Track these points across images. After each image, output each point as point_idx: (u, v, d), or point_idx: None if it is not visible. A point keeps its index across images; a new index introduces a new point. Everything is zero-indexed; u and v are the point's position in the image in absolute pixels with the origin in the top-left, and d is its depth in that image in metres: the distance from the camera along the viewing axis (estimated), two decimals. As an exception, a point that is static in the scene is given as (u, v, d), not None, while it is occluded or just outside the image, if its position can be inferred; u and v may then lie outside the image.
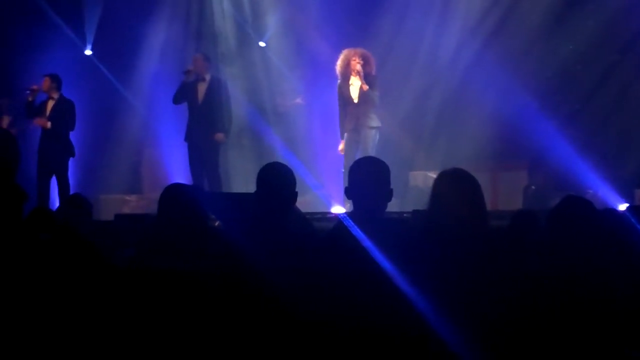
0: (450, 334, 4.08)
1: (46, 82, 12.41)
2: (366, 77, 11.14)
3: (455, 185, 4.72)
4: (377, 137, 11.26)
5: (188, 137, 12.23)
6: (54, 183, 12.42)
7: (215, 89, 12.11)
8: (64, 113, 12.35)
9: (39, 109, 12.41)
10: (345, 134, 11.32)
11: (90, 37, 15.18)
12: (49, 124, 12.27)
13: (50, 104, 12.41)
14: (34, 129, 12.86)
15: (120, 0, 14.79)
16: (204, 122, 12.04)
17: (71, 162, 12.85)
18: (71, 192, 11.96)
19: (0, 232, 3.58)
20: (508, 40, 13.00)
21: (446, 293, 4.14)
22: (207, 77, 12.16)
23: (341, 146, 11.39)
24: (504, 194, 12.33)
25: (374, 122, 11.22)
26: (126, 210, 13.64)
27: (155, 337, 4.02)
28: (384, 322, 4.16)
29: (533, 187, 12.20)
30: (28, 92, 12.38)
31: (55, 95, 12.41)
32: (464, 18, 13.42)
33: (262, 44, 14.89)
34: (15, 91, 13.61)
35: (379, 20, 13.50)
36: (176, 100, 12.28)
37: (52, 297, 3.58)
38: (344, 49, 11.46)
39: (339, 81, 11.36)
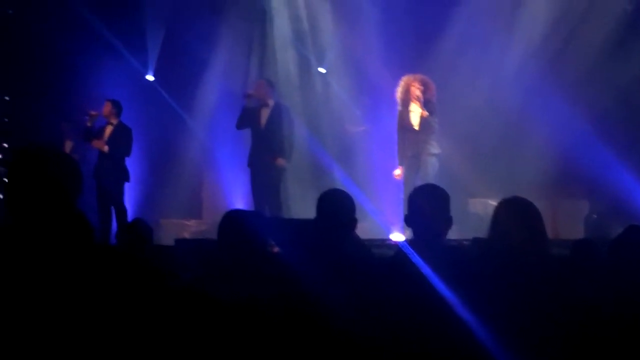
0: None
1: (107, 107, 12.53)
2: (426, 104, 11.13)
3: (515, 213, 4.69)
4: (437, 164, 11.22)
5: (251, 163, 12.19)
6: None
7: (278, 114, 12.10)
8: (122, 139, 12.45)
9: (98, 134, 12.52)
10: (405, 161, 11.30)
11: (152, 62, 15.32)
12: (106, 147, 12.37)
13: (109, 129, 12.52)
14: (92, 153, 12.98)
15: (182, 26, 14.90)
16: (267, 147, 12.00)
17: (132, 187, 12.97)
18: (131, 217, 12.04)
19: (67, 259, 3.61)
20: (568, 66, 12.91)
21: (506, 321, 4.11)
22: (271, 102, 12.12)
23: (397, 171, 11.37)
24: (564, 222, 12.21)
25: (434, 149, 11.19)
26: (186, 235, 13.71)
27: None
28: (443, 351, 4.13)
29: (594, 215, 12.08)
30: (87, 117, 12.49)
31: (114, 121, 12.52)
32: (524, 44, 13.36)
33: (322, 70, 14.93)
34: (77, 116, 13.76)
35: (439, 46, 13.48)
36: (239, 125, 12.24)
37: (112, 323, 3.60)
38: (403, 75, 11.45)
39: (399, 108, 11.35)
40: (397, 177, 11.38)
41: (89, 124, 12.45)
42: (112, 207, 12.44)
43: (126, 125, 12.56)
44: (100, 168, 12.43)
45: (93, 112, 12.48)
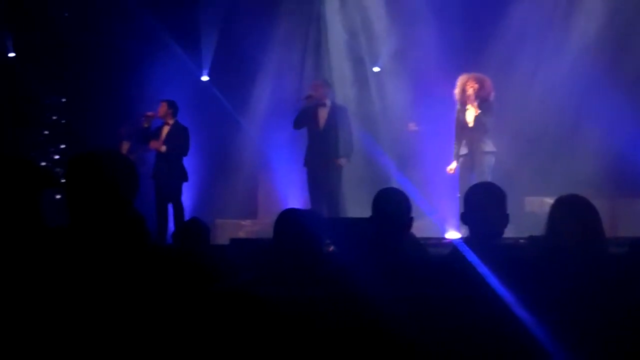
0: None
1: (163, 108, 12.57)
2: (482, 102, 11.09)
3: (572, 211, 4.66)
4: (493, 162, 11.16)
5: (308, 162, 12.19)
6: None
7: (336, 114, 12.10)
8: (179, 139, 12.48)
9: (155, 135, 12.57)
10: (461, 159, 11.27)
11: (206, 63, 15.40)
12: (163, 148, 12.42)
13: (166, 130, 12.55)
14: (149, 154, 13.05)
15: (236, 26, 14.95)
16: (325, 147, 11.99)
17: (188, 187, 13.02)
18: (187, 217, 12.09)
19: (124, 258, 3.64)
20: (626, 62, 12.78)
21: (563, 320, 4.07)
22: (328, 102, 12.13)
23: (451, 166, 11.33)
24: (623, 220, 12.06)
25: (489, 147, 11.14)
26: (241, 234, 13.75)
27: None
28: (500, 350, 4.11)
29: (654, 213, 11.95)
30: (143, 118, 12.55)
31: (171, 121, 12.55)
32: (580, 40, 13.24)
33: (376, 69, 14.92)
34: (133, 118, 13.86)
35: (494, 44, 13.40)
36: (297, 125, 12.22)
37: (167, 324, 3.62)
38: (458, 74, 11.42)
39: (457, 106, 11.33)
40: (450, 172, 11.35)
41: (145, 125, 12.50)
42: (170, 207, 12.51)
43: (183, 124, 12.60)
44: (158, 168, 12.49)
45: (149, 113, 12.53)
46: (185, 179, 12.55)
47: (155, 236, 10.46)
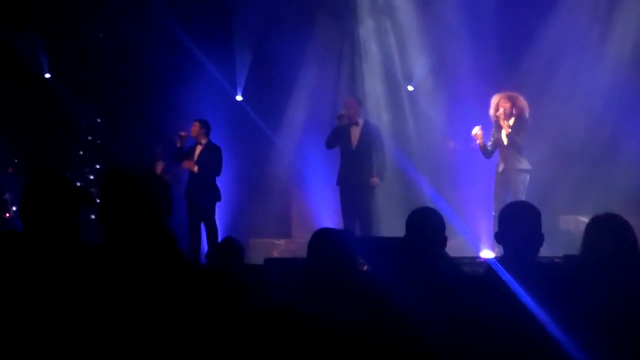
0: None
1: (195, 128, 12.62)
2: (517, 120, 11.09)
3: (608, 229, 4.63)
4: (527, 180, 11.12)
5: (341, 181, 12.17)
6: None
7: (369, 133, 12.08)
8: (212, 158, 12.53)
9: (188, 154, 12.62)
10: (495, 176, 11.25)
11: (241, 82, 15.46)
12: (196, 168, 12.47)
13: (199, 149, 12.61)
14: (184, 173, 13.11)
15: (271, 45, 15.00)
16: (358, 166, 11.97)
17: (222, 206, 13.05)
18: (221, 236, 12.12)
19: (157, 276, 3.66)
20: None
21: (600, 340, 4.04)
22: (361, 121, 12.10)
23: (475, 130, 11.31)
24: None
25: (523, 165, 11.11)
26: (275, 254, 13.75)
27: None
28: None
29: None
30: (177, 137, 12.61)
31: (204, 141, 12.60)
32: (618, 57, 13.17)
33: (410, 88, 14.92)
34: (168, 138, 13.94)
35: (529, 61, 13.37)
36: (329, 144, 12.22)
37: (200, 343, 3.63)
38: (493, 92, 11.42)
39: (493, 126, 11.32)
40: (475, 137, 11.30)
41: (178, 145, 12.55)
42: (203, 227, 12.54)
43: (215, 144, 12.65)
44: (191, 188, 12.55)
45: (182, 133, 12.58)
46: (219, 198, 12.58)
47: (188, 256, 10.46)
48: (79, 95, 15.14)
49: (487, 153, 11.32)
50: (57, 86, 15.15)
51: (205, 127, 12.65)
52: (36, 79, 15.21)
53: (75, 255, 3.79)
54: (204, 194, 12.43)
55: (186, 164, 12.62)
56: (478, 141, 11.25)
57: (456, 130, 13.80)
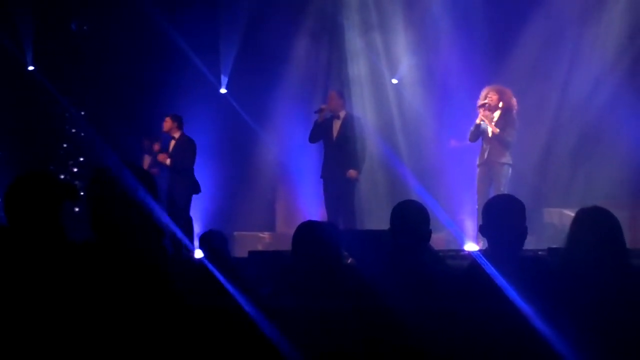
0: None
1: (167, 123, 12.63)
2: (503, 113, 11.11)
3: (593, 223, 4.64)
4: (509, 173, 11.14)
5: (323, 174, 12.20)
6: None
7: (350, 125, 12.09)
8: (183, 151, 12.55)
9: (165, 148, 12.70)
10: (478, 170, 11.27)
11: (225, 75, 15.44)
12: (168, 161, 12.52)
13: (172, 143, 12.65)
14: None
15: (255, 39, 14.99)
16: (339, 158, 11.98)
17: (206, 199, 13.06)
18: (206, 229, 12.10)
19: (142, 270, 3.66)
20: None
21: (584, 333, 4.05)
22: (342, 114, 12.13)
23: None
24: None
25: (505, 158, 11.12)
26: (260, 247, 13.76)
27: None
28: (520, 362, 4.09)
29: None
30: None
31: (177, 134, 12.61)
32: (601, 54, 13.18)
33: (394, 81, 14.91)
34: (154, 131, 13.91)
35: (515, 57, 13.38)
36: (312, 138, 12.25)
37: (183, 333, 3.63)
38: (477, 86, 11.44)
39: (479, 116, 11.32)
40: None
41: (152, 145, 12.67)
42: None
43: (188, 137, 12.66)
44: (169, 181, 12.58)
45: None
46: (195, 191, 12.57)
47: (171, 249, 10.47)
48: (63, 88, 15.08)
49: (474, 136, 11.30)
50: (41, 79, 15.09)
51: (177, 120, 12.67)
52: (20, 71, 15.15)
53: (61, 252, 3.77)
54: (178, 187, 12.44)
55: (160, 157, 12.72)
56: (481, 114, 11.24)
57: (442, 123, 13.82)
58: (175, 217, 12.48)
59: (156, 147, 12.72)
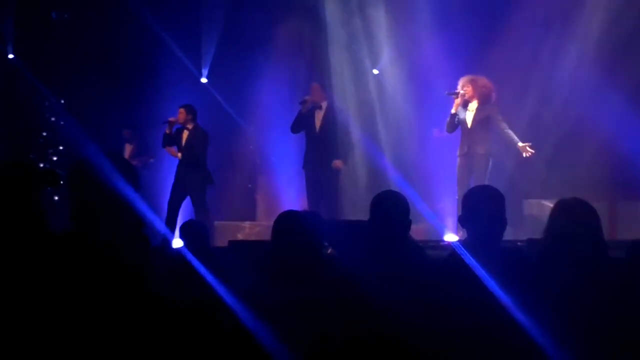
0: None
1: (181, 114, 12.57)
2: (482, 102, 11.13)
3: (573, 214, 4.66)
4: (490, 164, 11.15)
5: (306, 165, 12.23)
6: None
7: (332, 116, 12.12)
8: (198, 142, 12.52)
9: (175, 139, 12.67)
10: (458, 160, 11.28)
11: (206, 64, 15.42)
12: (179, 154, 12.52)
13: (186, 134, 12.60)
14: (157, 159, 13.11)
15: (236, 29, 14.99)
16: (322, 149, 12.02)
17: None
18: (186, 218, 12.09)
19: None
20: (627, 67, 12.75)
21: (562, 323, 4.07)
22: (324, 105, 12.18)
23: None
24: (623, 223, 12.06)
25: (485, 149, 11.14)
26: (240, 236, 13.76)
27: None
28: (498, 351, 4.11)
29: (652, 216, 11.94)
30: (166, 124, 12.62)
31: (190, 126, 12.57)
32: (582, 44, 13.22)
33: (375, 71, 14.92)
34: (137, 121, 13.89)
35: (495, 47, 13.38)
36: (294, 129, 12.30)
37: (159, 325, 3.63)
38: (458, 76, 11.44)
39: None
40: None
41: (167, 131, 12.61)
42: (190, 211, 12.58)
43: (202, 128, 12.63)
44: (181, 171, 12.54)
45: (172, 119, 12.60)
46: (210, 181, 12.58)
47: (161, 237, 10.49)
48: (43, 77, 15.02)
49: (451, 126, 11.32)
50: (21, 67, 15.03)
51: (192, 112, 12.64)
52: (0, 59, 15.09)
53: (41, 241, 3.76)
54: (194, 178, 12.42)
55: (169, 150, 12.72)
56: (457, 101, 11.24)
57: (422, 114, 13.83)
58: (178, 207, 12.50)
59: (167, 130, 12.61)
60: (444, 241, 10.80)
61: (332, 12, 15.02)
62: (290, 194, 13.93)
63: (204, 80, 15.42)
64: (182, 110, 12.62)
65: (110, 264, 3.58)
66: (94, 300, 3.50)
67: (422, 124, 13.86)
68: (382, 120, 14.63)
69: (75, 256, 3.58)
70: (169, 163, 13.29)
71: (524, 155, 11.13)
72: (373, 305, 4.19)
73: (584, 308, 4.17)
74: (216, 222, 13.79)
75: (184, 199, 12.51)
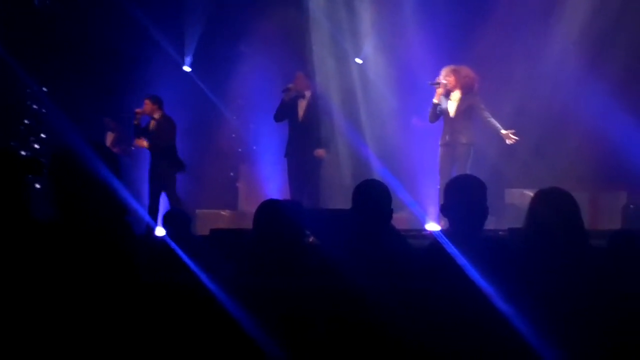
0: (548, 354, 4.02)
1: (147, 105, 12.55)
2: (465, 92, 11.14)
3: (553, 204, 4.68)
4: (472, 153, 11.18)
5: (288, 153, 12.25)
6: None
7: (316, 105, 12.14)
8: (163, 130, 12.50)
9: (145, 130, 12.65)
10: (441, 149, 11.30)
11: (189, 53, 15.39)
12: (146, 144, 12.49)
13: (152, 124, 12.59)
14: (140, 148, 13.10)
15: (219, 17, 14.95)
16: (305, 138, 12.04)
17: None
18: (168, 207, 12.11)
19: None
20: (610, 58, 12.79)
21: (543, 312, 4.09)
22: (308, 94, 12.19)
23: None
24: (603, 213, 12.11)
25: (468, 138, 11.16)
26: (221, 225, 13.73)
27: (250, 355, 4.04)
28: (479, 341, 4.12)
29: (632, 206, 11.98)
30: (134, 115, 12.61)
31: (157, 115, 12.55)
32: (566, 35, 13.25)
33: (359, 60, 14.91)
34: (119, 109, 13.84)
35: (479, 37, 13.39)
36: (277, 118, 12.32)
37: (145, 316, 3.64)
38: (442, 66, 11.45)
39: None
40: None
41: (135, 122, 12.59)
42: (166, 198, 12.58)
43: (168, 116, 12.61)
44: (152, 160, 12.54)
45: (138, 111, 12.58)
46: (180, 169, 12.57)
47: (145, 226, 10.49)
48: (25, 64, 14.94)
49: (433, 116, 11.34)
50: (3, 54, 14.95)
51: (157, 102, 12.60)
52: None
53: (24, 229, 3.75)
54: (163, 166, 12.41)
55: (137, 142, 12.73)
56: (439, 91, 11.25)
57: (405, 104, 13.85)
58: (158, 195, 12.49)
59: (136, 121, 12.59)
60: (425, 230, 10.82)
61: (316, 1, 15.00)
62: (272, 183, 13.93)
63: (187, 68, 15.37)
64: (147, 101, 12.60)
65: (94, 251, 3.58)
66: (79, 287, 3.50)
67: (406, 114, 13.88)
68: (366, 109, 14.62)
69: (59, 244, 3.58)
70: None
71: (508, 142, 11.16)
72: (354, 294, 4.20)
73: (565, 296, 4.19)
74: (198, 211, 13.80)
75: (161, 188, 12.49)
